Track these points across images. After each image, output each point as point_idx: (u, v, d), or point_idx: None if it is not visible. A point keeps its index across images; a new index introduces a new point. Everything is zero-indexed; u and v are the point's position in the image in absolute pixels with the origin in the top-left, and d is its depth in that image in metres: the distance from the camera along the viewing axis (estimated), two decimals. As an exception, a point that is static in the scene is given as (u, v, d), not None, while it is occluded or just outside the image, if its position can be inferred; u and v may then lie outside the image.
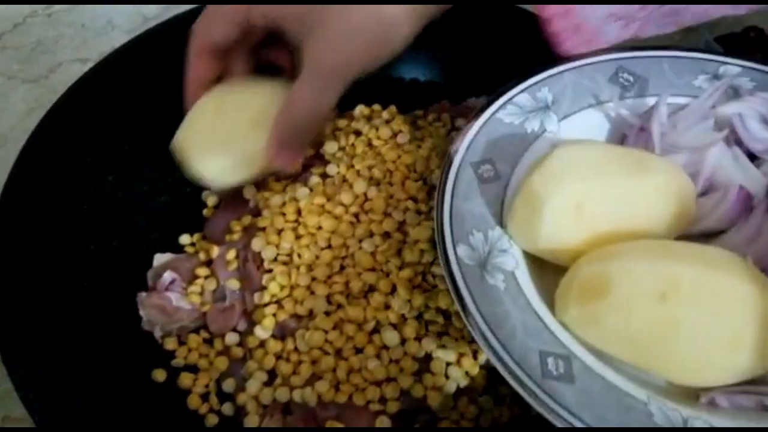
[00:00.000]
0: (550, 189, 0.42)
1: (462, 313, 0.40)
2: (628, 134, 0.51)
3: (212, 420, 0.50)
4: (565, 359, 0.39)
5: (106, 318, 0.52)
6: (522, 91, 0.51)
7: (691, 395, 0.40)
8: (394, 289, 0.51)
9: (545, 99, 0.51)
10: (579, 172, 0.42)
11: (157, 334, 0.53)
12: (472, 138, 0.48)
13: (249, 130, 0.52)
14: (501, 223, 0.45)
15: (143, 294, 0.53)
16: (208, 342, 0.53)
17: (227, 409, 0.50)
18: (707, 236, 0.47)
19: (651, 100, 0.52)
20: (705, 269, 0.38)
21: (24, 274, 0.49)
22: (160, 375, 0.51)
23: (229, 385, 0.51)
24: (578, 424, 0.36)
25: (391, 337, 0.49)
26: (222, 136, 0.52)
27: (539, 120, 0.50)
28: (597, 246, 0.42)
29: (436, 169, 0.56)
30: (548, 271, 0.44)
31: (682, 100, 0.52)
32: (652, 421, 0.37)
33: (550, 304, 0.42)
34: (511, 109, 0.50)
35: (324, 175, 0.57)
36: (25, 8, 0.81)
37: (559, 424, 0.36)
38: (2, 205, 0.50)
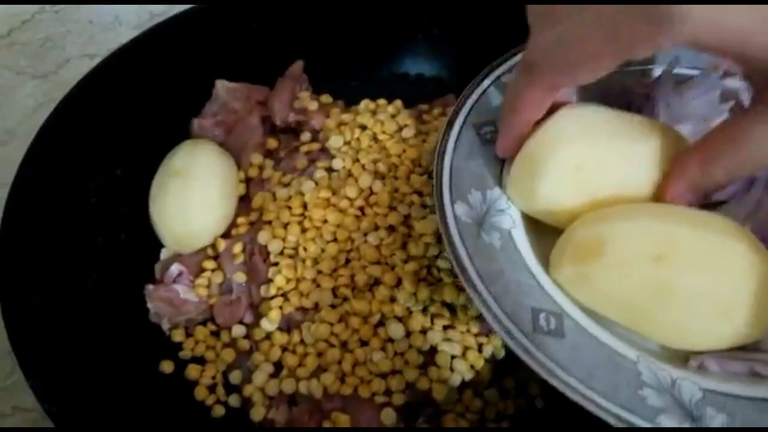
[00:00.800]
0: (548, 151, 0.42)
1: (457, 269, 0.40)
2: (634, 102, 0.50)
3: (219, 411, 0.51)
4: (557, 316, 0.39)
5: (114, 310, 0.52)
6: None
7: (681, 358, 0.40)
8: (399, 283, 0.51)
9: None
10: (578, 135, 0.42)
11: (165, 326, 0.53)
12: (476, 99, 0.48)
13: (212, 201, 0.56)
14: (500, 184, 0.45)
15: (151, 287, 0.54)
16: (215, 334, 0.54)
17: (234, 400, 0.51)
18: (706, 207, 0.45)
19: (657, 70, 0.51)
20: (701, 233, 0.38)
21: (33, 267, 0.49)
22: (167, 366, 0.52)
23: (235, 376, 0.51)
24: (567, 378, 0.36)
25: (396, 329, 0.49)
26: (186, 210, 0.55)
27: None
28: (595, 209, 0.42)
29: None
30: (546, 233, 0.44)
31: (689, 71, 0.51)
32: (640, 380, 0.37)
33: (546, 265, 0.42)
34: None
35: (329, 169, 0.57)
36: (33, 5, 0.82)
37: (548, 377, 0.36)
38: (11, 199, 0.50)
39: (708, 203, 0.46)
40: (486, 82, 0.49)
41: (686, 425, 0.35)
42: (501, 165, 0.46)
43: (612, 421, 0.35)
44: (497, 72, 0.50)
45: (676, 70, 0.50)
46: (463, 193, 0.44)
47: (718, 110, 0.48)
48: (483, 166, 0.45)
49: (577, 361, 0.37)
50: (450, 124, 0.47)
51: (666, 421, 0.35)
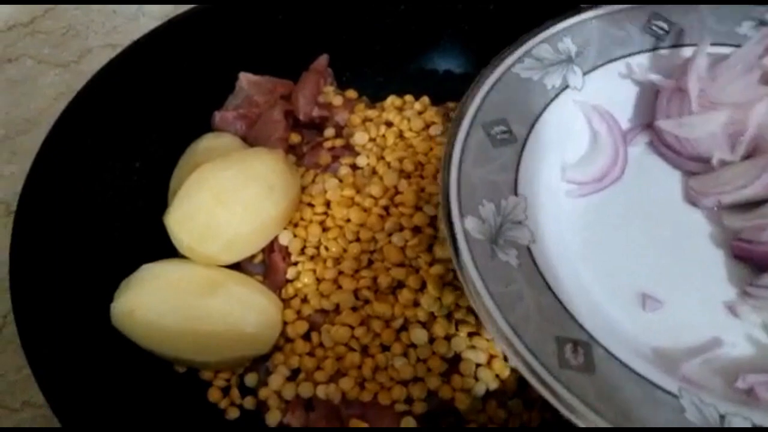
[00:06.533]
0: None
1: (468, 294, 0.37)
2: (661, 95, 0.47)
3: (233, 413, 0.49)
4: (585, 346, 0.36)
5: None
6: (542, 41, 0.47)
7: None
8: (423, 286, 0.49)
9: (568, 50, 0.47)
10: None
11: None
12: (484, 96, 0.44)
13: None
14: (515, 191, 0.41)
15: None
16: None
17: (249, 403, 0.49)
18: (747, 206, 0.43)
19: (687, 51, 0.47)
20: None
21: (47, 262, 0.48)
22: (181, 367, 0.50)
23: (251, 379, 0.50)
24: (600, 421, 0.33)
25: (419, 335, 0.48)
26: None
27: (561, 74, 0.46)
28: None
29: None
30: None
31: (723, 50, 0.47)
32: (683, 417, 0.33)
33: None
34: (529, 63, 0.46)
35: (353, 167, 0.56)
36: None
37: (578, 421, 0.33)
38: (26, 191, 0.49)
39: (749, 202, 0.44)
40: (495, 75, 0.45)
41: None
42: (516, 170, 0.42)
43: None
44: (508, 62, 0.46)
45: (709, 50, 0.45)
46: (474, 206, 0.40)
47: (757, 94, 0.44)
48: (495, 172, 0.41)
49: (610, 398, 0.34)
50: (456, 126, 0.42)
51: None
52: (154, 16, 0.79)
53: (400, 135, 0.57)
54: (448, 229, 0.39)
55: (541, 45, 0.47)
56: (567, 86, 0.46)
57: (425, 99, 0.61)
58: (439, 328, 0.48)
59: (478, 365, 0.47)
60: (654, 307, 0.42)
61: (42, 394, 0.41)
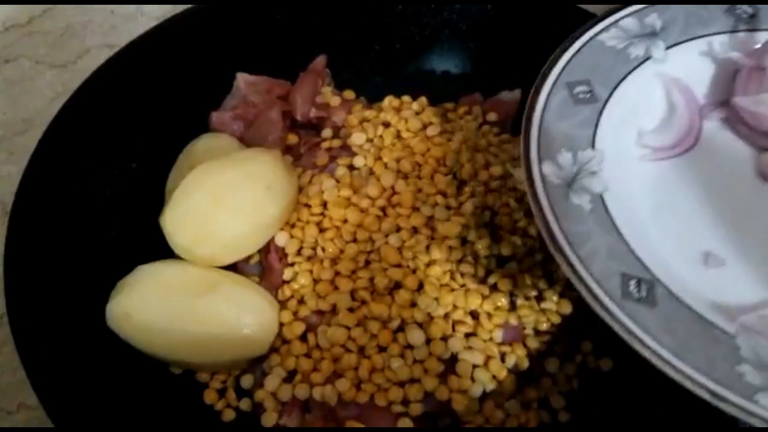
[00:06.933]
0: None
1: (543, 231, 0.39)
2: (739, 73, 0.49)
3: (229, 415, 0.49)
4: (648, 283, 0.38)
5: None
6: (629, 14, 0.49)
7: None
8: (420, 287, 0.49)
9: (653, 25, 0.49)
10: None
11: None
12: (570, 58, 0.46)
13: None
14: (593, 145, 0.43)
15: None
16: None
17: (245, 404, 0.49)
18: None
19: (766, 35, 0.49)
20: None
21: (42, 262, 0.48)
22: (177, 368, 0.50)
23: (247, 380, 0.50)
24: (658, 348, 0.34)
25: (416, 336, 0.47)
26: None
27: (644, 46, 0.48)
28: None
29: (467, 163, 0.54)
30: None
31: None
32: (738, 354, 0.35)
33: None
34: (615, 33, 0.48)
35: (351, 167, 0.55)
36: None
37: (638, 347, 0.35)
38: (22, 190, 0.49)
39: None
40: (580, 42, 0.47)
41: None
42: (594, 127, 0.44)
43: (707, 397, 0.34)
44: (592, 31, 0.48)
45: None
46: (552, 153, 0.42)
47: None
48: (575, 127, 0.44)
49: (670, 331, 0.35)
50: (541, 82, 0.45)
51: (765, 400, 0.33)
52: (153, 16, 0.79)
53: (398, 135, 0.57)
54: (525, 171, 0.41)
55: (627, 18, 0.49)
56: (649, 57, 0.48)
57: (423, 99, 0.61)
58: (436, 329, 0.47)
59: (475, 366, 0.47)
60: (716, 264, 0.43)
61: (36, 395, 0.41)
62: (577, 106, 0.45)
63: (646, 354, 0.35)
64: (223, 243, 0.49)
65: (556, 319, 0.49)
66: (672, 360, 0.34)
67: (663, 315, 0.36)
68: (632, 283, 0.37)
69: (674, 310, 0.37)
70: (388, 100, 0.61)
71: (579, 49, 0.47)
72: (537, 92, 0.45)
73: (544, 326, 0.49)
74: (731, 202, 0.46)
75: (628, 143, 0.47)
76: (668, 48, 0.49)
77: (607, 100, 0.46)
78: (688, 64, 0.49)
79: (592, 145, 0.43)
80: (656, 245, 0.42)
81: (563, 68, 0.46)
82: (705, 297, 0.39)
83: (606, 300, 0.36)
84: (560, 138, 0.43)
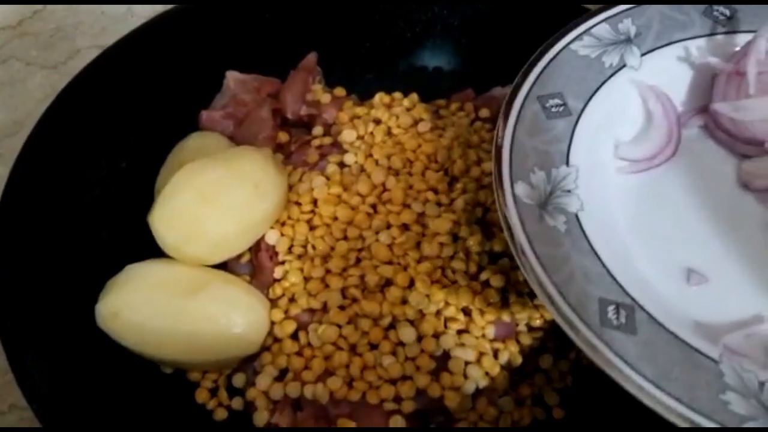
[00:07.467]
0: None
1: (516, 254, 0.38)
2: (718, 79, 0.48)
3: (221, 414, 0.49)
4: (628, 309, 0.37)
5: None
6: (602, 21, 0.48)
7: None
8: (411, 284, 0.49)
9: (627, 31, 0.48)
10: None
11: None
12: (541, 70, 0.45)
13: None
14: (567, 161, 0.42)
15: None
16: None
17: (237, 403, 0.49)
18: None
19: (747, 37, 0.48)
20: None
21: (30, 262, 0.48)
22: (168, 368, 0.50)
23: (239, 379, 0.49)
24: (637, 378, 0.34)
25: (407, 333, 0.47)
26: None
27: (619, 54, 0.47)
28: None
29: (459, 159, 0.53)
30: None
31: None
32: (722, 382, 0.34)
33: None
34: (588, 41, 0.47)
35: (341, 164, 0.55)
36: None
37: (616, 377, 0.34)
38: (8, 190, 0.49)
39: None
40: (553, 51, 0.46)
41: None
42: (569, 142, 0.43)
43: (689, 427, 0.33)
44: (564, 40, 0.47)
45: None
46: (525, 173, 0.41)
47: None
48: (549, 143, 0.43)
49: (650, 359, 0.35)
50: (512, 97, 0.44)
51: None
52: (144, 17, 0.78)
53: (389, 132, 0.57)
54: (499, 193, 0.40)
55: (601, 25, 0.48)
56: (624, 65, 0.47)
57: (414, 96, 0.60)
58: (428, 326, 0.47)
59: (467, 363, 0.47)
60: (699, 281, 0.42)
61: (23, 396, 0.40)
62: (551, 120, 0.43)
63: (625, 385, 0.34)
64: (212, 242, 0.49)
65: (550, 316, 0.48)
66: (651, 390, 0.33)
67: (643, 342, 0.35)
68: (611, 309, 0.36)
69: (655, 335, 0.36)
70: (379, 97, 0.60)
71: (551, 60, 0.46)
72: (508, 108, 0.43)
73: (537, 323, 0.49)
74: (713, 214, 0.45)
75: (604, 156, 0.46)
76: (644, 54, 0.47)
77: (581, 113, 0.44)
78: (665, 71, 0.48)
79: (567, 162, 0.42)
80: (636, 264, 0.41)
81: (534, 81, 0.45)
82: (688, 317, 0.38)
83: (583, 329, 0.35)
84: (533, 155, 0.42)
